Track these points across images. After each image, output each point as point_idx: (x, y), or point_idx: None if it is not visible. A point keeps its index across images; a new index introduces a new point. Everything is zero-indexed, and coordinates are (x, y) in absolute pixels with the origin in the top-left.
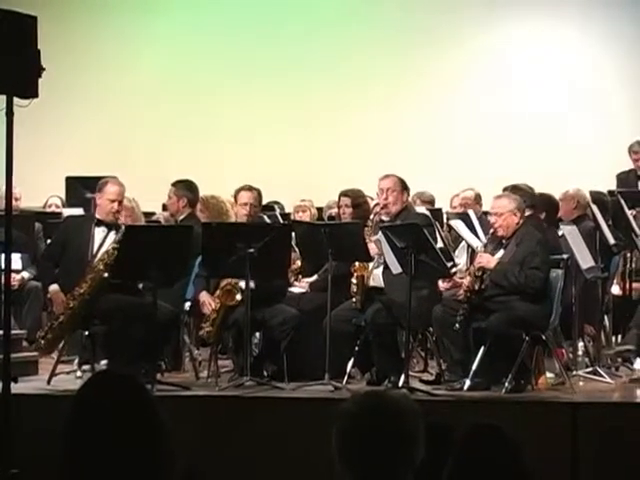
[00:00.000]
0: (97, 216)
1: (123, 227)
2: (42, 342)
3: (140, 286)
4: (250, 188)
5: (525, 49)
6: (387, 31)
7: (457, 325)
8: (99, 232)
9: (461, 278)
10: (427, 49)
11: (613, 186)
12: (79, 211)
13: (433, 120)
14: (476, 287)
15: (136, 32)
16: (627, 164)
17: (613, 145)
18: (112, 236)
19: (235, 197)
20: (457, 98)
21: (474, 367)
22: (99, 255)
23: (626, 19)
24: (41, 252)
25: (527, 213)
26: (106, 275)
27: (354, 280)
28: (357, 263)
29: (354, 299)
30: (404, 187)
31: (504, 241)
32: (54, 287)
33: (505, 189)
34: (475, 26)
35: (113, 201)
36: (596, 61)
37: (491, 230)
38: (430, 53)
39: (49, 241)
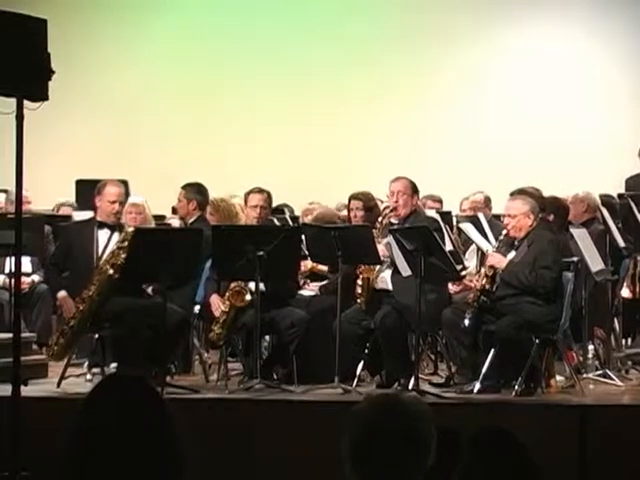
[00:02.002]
0: (98, 218)
1: (127, 227)
2: (55, 348)
3: (149, 290)
4: (260, 190)
5: (531, 51)
6: (393, 31)
7: (466, 321)
8: (102, 234)
9: (470, 281)
10: (433, 50)
11: (617, 187)
12: (89, 214)
13: (439, 122)
14: (487, 287)
15: (141, 33)
16: (633, 166)
17: (619, 147)
18: (116, 237)
19: (245, 199)
20: (462, 100)
21: (484, 370)
22: (105, 256)
23: (632, 20)
24: (46, 265)
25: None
26: (111, 272)
27: (359, 282)
28: (362, 265)
29: (359, 300)
30: (414, 190)
31: (516, 242)
32: (62, 294)
33: (512, 194)
34: (480, 28)
35: (113, 202)
36: (603, 63)
37: (504, 231)
38: (436, 54)
39: (53, 249)
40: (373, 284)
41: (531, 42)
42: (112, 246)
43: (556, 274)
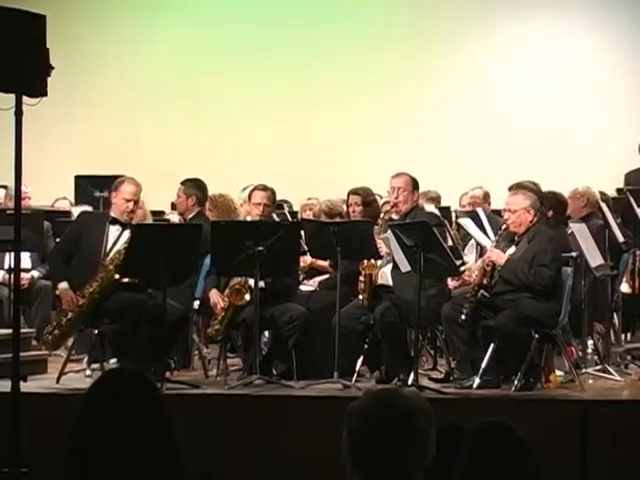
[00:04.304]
0: (112, 214)
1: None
2: (49, 338)
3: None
4: (265, 188)
5: (529, 48)
6: (393, 27)
7: (463, 317)
8: (113, 230)
9: (469, 276)
10: (433, 46)
11: (617, 184)
12: (88, 209)
13: (439, 118)
14: (485, 282)
15: (141, 29)
16: (630, 162)
17: (616, 143)
18: (126, 235)
19: (249, 196)
20: (462, 96)
21: (483, 365)
22: (111, 254)
23: (630, 18)
24: (51, 250)
25: None
26: (117, 277)
27: (362, 278)
28: (365, 261)
29: (361, 297)
30: (415, 186)
31: (516, 238)
32: (63, 285)
33: (510, 188)
34: (479, 25)
35: (128, 200)
36: (600, 60)
37: (504, 226)
38: (436, 50)
39: (61, 236)
40: (376, 280)
41: (531, 40)
42: (120, 245)
43: (554, 272)
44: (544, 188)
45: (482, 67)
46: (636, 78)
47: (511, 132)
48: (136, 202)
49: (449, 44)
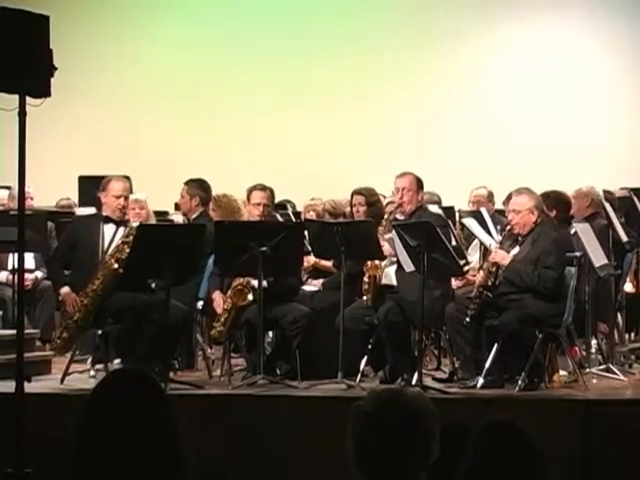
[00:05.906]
0: (104, 214)
1: (132, 222)
2: (59, 342)
3: (152, 285)
4: (263, 188)
5: (529, 48)
6: (394, 26)
7: (467, 319)
8: (108, 229)
9: (473, 276)
10: (435, 45)
11: (615, 184)
12: (92, 210)
13: (441, 117)
14: (489, 283)
15: (141, 29)
16: (630, 162)
17: (619, 144)
18: (121, 232)
19: (248, 197)
20: (464, 95)
21: (487, 365)
22: (110, 251)
23: (631, 18)
24: (49, 258)
25: None
26: (116, 266)
27: (366, 279)
28: (369, 263)
29: (365, 297)
30: (420, 186)
31: (520, 238)
32: (65, 289)
33: (508, 197)
34: (479, 25)
35: (118, 197)
36: (600, 59)
37: (507, 227)
38: (438, 50)
39: (57, 243)
40: (380, 280)
41: (531, 40)
42: (117, 241)
43: (558, 274)
44: (544, 188)
45: (482, 67)
46: (636, 78)
47: (511, 132)
48: (126, 198)
49: (449, 44)
